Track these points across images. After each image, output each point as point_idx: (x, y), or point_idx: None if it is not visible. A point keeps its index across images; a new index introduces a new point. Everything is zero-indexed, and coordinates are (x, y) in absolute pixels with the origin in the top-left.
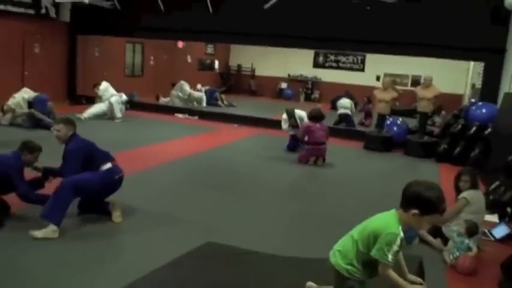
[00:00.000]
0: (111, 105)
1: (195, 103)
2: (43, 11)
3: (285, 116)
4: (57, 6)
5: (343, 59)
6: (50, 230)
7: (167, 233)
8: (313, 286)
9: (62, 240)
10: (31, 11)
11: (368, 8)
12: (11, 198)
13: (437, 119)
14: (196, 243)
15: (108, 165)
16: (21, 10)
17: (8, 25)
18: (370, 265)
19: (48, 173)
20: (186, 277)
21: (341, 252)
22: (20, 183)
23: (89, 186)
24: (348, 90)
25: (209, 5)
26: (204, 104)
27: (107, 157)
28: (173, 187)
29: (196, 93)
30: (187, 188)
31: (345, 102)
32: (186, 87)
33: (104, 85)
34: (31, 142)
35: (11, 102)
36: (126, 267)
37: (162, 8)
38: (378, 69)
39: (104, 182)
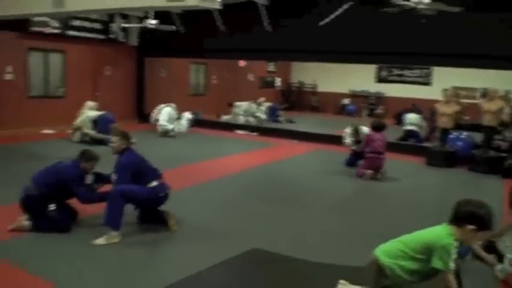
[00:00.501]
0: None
1: (252, 117)
2: (112, 36)
3: (348, 130)
4: (125, 31)
5: (407, 72)
6: (111, 236)
7: (218, 240)
8: (345, 284)
9: (121, 244)
10: (101, 36)
11: (423, 21)
12: (79, 205)
13: (508, 134)
14: (245, 250)
15: (154, 183)
16: (93, 35)
17: (81, 50)
18: (415, 272)
19: (98, 178)
20: (229, 279)
21: (388, 252)
22: (78, 188)
23: (136, 197)
24: (415, 104)
25: (268, 25)
26: (262, 116)
27: (155, 175)
28: (229, 199)
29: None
30: (242, 200)
31: (412, 118)
32: (243, 102)
33: (156, 109)
34: (89, 151)
35: (78, 120)
36: (174, 269)
37: (223, 29)
38: (445, 82)
39: (149, 196)
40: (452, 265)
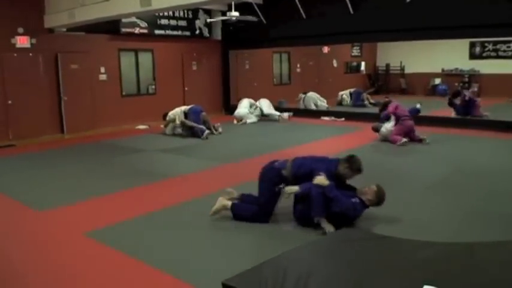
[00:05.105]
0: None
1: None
2: (197, 32)
3: None
4: (209, 26)
5: (503, 47)
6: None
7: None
8: None
9: (212, 226)
10: (187, 33)
11: None
12: None
13: None
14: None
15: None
16: (179, 33)
17: (168, 47)
18: None
19: None
20: (319, 255)
21: None
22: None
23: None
24: None
25: (349, 6)
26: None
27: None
28: None
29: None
30: None
31: None
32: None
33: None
34: (357, 161)
35: (171, 113)
36: (266, 249)
37: (303, 15)
38: None
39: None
40: None
